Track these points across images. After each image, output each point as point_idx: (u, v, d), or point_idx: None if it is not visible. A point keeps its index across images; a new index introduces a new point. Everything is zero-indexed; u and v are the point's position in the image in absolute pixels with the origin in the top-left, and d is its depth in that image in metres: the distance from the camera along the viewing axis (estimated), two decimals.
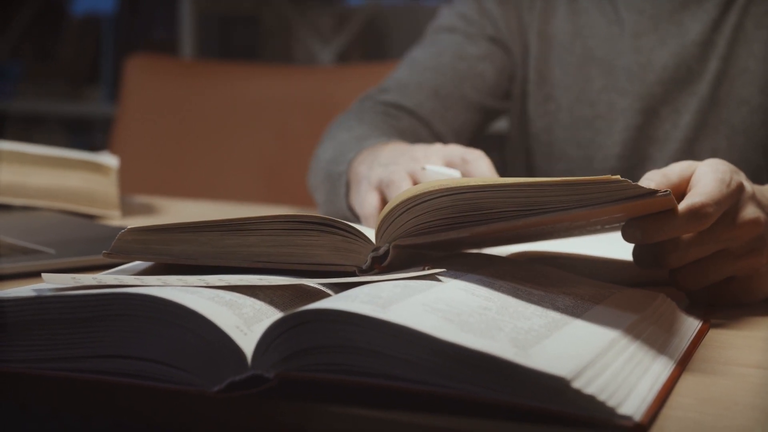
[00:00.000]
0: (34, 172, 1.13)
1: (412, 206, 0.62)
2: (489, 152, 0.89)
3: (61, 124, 3.20)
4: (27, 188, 1.13)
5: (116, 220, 1.16)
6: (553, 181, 0.60)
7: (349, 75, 1.93)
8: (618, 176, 0.59)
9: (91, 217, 1.15)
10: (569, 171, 1.21)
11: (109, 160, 1.19)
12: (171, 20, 2.95)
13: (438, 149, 0.90)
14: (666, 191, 0.61)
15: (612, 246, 0.75)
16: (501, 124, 1.53)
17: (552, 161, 1.23)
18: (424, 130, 1.19)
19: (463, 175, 0.85)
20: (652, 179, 0.68)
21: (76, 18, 3.24)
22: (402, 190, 0.81)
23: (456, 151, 0.88)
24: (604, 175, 0.58)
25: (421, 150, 0.91)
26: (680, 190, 0.69)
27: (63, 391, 0.55)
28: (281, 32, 2.89)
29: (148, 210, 1.24)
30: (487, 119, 1.27)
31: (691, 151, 1.15)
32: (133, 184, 1.52)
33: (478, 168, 0.85)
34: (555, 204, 0.60)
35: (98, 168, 1.17)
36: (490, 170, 0.85)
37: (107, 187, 1.17)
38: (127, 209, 1.21)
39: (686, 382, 0.55)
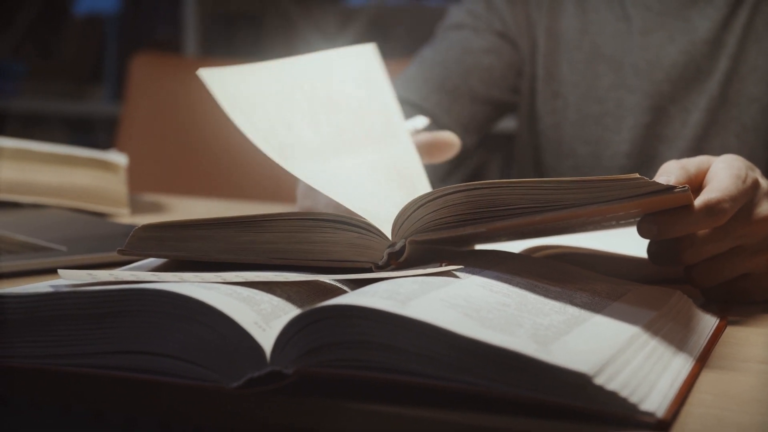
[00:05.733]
0: (42, 169, 1.13)
1: (428, 202, 0.62)
2: (497, 150, 0.89)
3: (64, 123, 3.19)
4: (35, 186, 1.12)
5: (125, 218, 1.15)
6: (570, 180, 0.59)
7: None
8: (636, 174, 0.58)
9: (100, 214, 1.14)
10: (577, 168, 1.21)
11: (117, 157, 1.19)
12: (174, 19, 2.94)
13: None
14: (684, 187, 0.60)
15: (627, 242, 0.75)
16: (509, 123, 1.52)
17: (560, 158, 1.23)
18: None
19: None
20: (670, 170, 0.68)
21: (78, 17, 3.24)
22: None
23: None
24: (613, 173, 0.58)
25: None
26: (696, 184, 0.69)
27: (79, 387, 0.55)
28: (285, 31, 2.88)
29: (156, 208, 1.23)
30: (496, 113, 1.27)
31: (701, 149, 1.14)
32: (139, 182, 1.52)
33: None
34: (572, 201, 0.60)
35: (107, 166, 1.17)
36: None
37: (116, 184, 1.17)
38: (136, 207, 1.21)
39: (706, 378, 0.55)
